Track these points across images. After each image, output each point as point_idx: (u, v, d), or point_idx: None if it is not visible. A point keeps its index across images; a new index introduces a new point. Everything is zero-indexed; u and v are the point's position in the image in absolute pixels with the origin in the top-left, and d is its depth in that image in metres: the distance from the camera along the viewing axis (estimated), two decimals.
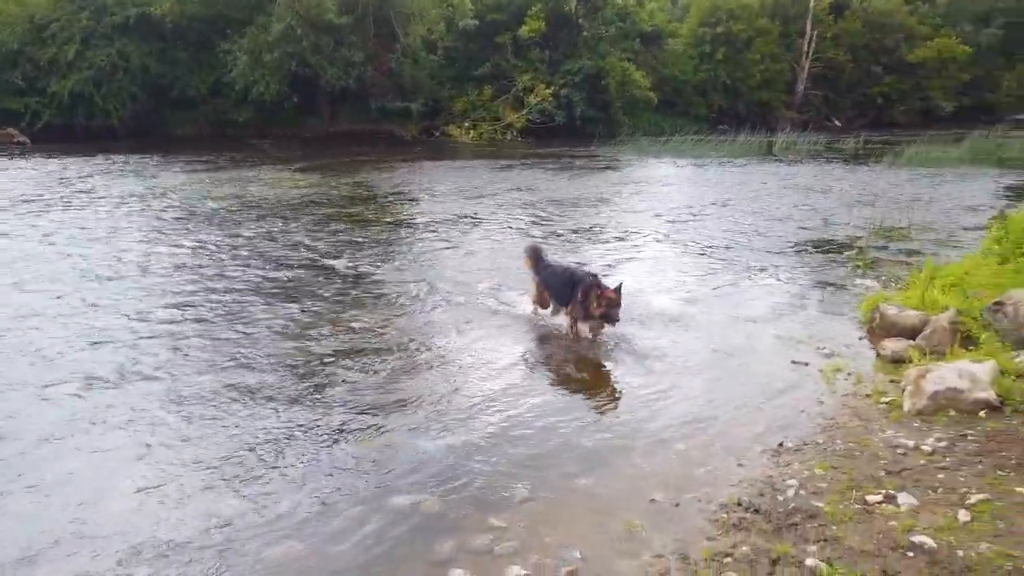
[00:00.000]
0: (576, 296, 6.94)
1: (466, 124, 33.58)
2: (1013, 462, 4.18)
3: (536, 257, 7.95)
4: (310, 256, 10.50)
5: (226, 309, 7.97)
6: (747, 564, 3.41)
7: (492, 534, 3.95)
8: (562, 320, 7.45)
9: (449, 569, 3.53)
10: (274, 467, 4.68)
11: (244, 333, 7.19)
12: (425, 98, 33.61)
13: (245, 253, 10.63)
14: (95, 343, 6.85)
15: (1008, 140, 26.65)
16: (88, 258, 10.13)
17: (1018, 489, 3.84)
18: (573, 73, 33.82)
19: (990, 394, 4.90)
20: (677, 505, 4.19)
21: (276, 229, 12.37)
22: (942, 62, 43.59)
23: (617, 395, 5.92)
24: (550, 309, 7.69)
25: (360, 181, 18.76)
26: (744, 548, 3.56)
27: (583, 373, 6.34)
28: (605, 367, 6.52)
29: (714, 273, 9.67)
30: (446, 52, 35.10)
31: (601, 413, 5.55)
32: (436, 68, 34.74)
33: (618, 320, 6.72)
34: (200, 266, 9.85)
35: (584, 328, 7.08)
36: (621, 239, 11.97)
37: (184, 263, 9.99)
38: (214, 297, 8.41)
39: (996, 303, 6.47)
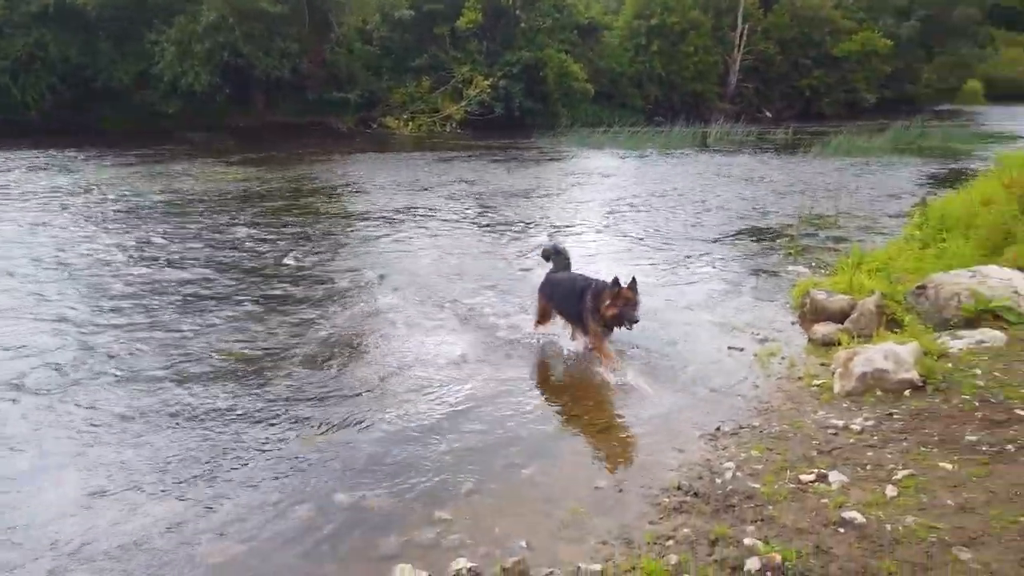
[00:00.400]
0: (585, 303, 6.07)
1: (404, 116, 33.23)
2: (935, 438, 4.38)
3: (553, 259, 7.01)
4: (248, 251, 10.26)
5: (162, 306, 7.73)
6: (688, 546, 3.50)
7: (438, 527, 3.95)
8: (578, 342, 6.56)
9: (395, 564, 3.51)
10: (215, 468, 4.58)
11: (181, 331, 7.00)
12: (362, 89, 33.15)
13: (179, 249, 10.33)
14: (23, 346, 6.56)
15: (927, 130, 27.82)
16: (11, 258, 9.69)
17: (940, 464, 4.03)
18: (511, 64, 33.82)
19: (913, 374, 5.12)
20: (620, 491, 4.26)
21: (210, 224, 12.05)
22: (865, 55, 45.13)
23: (559, 385, 5.98)
24: (564, 328, 6.73)
25: (298, 174, 18.40)
26: (685, 530, 3.65)
27: (526, 365, 6.37)
28: (547, 359, 6.57)
29: (653, 262, 9.83)
30: (382, 43, 34.65)
31: (544, 404, 5.59)
32: (372, 59, 34.28)
33: (637, 320, 5.85)
34: (132, 263, 9.53)
35: (605, 342, 6.10)
36: (562, 230, 12.05)
37: (114, 260, 9.65)
38: (149, 295, 8.16)
39: (918, 287, 6.76)
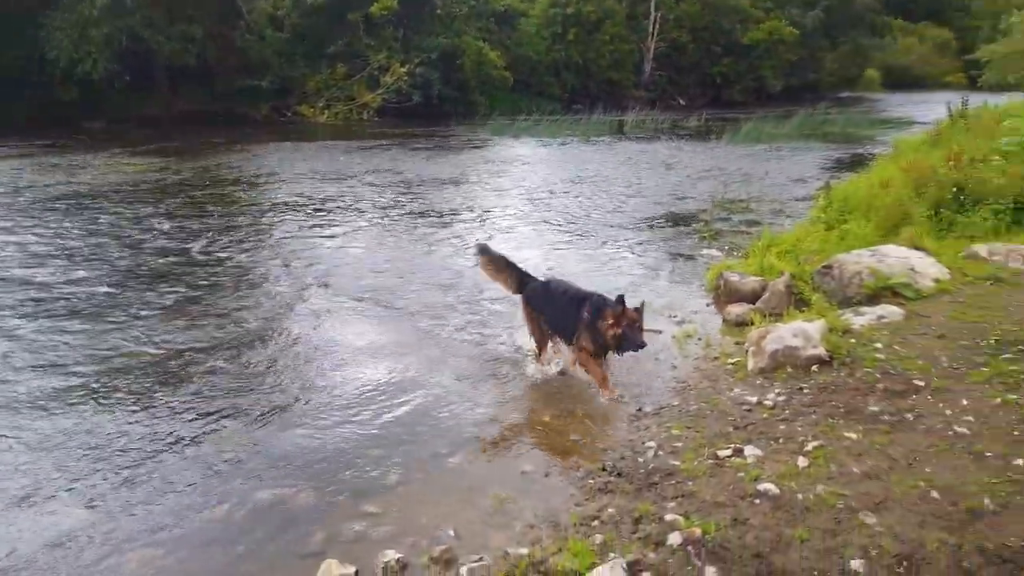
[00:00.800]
0: (582, 319, 5.41)
1: (320, 104, 32.48)
2: (841, 410, 4.61)
3: (509, 267, 6.14)
4: (159, 245, 9.85)
5: (71, 304, 7.36)
6: (613, 525, 3.58)
7: (365, 521, 3.91)
8: (559, 362, 5.91)
9: (322, 560, 3.46)
10: (131, 472, 4.40)
11: (91, 329, 6.68)
12: (274, 76, 32.18)
13: (84, 244, 9.82)
14: None
15: (830, 117, 29.08)
16: None
17: (846, 434, 4.25)
18: (428, 51, 33.48)
19: (821, 350, 5.37)
20: (546, 475, 4.32)
21: (117, 217, 11.51)
22: (773, 44, 46.78)
23: (483, 372, 5.98)
24: (545, 346, 5.98)
25: (209, 164, 17.75)
26: (610, 510, 3.73)
27: (448, 355, 6.35)
28: (470, 347, 6.56)
29: (573, 248, 9.96)
30: (294, 29, 33.68)
31: (469, 393, 5.59)
32: (285, 46, 33.29)
33: (644, 345, 5.27)
34: (35, 259, 9.00)
35: (600, 367, 5.47)
36: (483, 218, 12.06)
37: (16, 256, 9.10)
38: (57, 292, 7.74)
39: (824, 267, 7.09)
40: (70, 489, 4.22)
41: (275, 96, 32.56)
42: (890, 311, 6.06)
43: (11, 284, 8.07)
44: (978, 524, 3.21)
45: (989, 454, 3.79)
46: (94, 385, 5.58)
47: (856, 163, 16.99)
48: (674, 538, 3.29)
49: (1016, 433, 3.98)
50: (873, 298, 6.49)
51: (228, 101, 31.74)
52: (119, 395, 5.42)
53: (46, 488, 4.22)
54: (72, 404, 5.26)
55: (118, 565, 3.58)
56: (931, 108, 27.88)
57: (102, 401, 5.31)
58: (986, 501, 3.36)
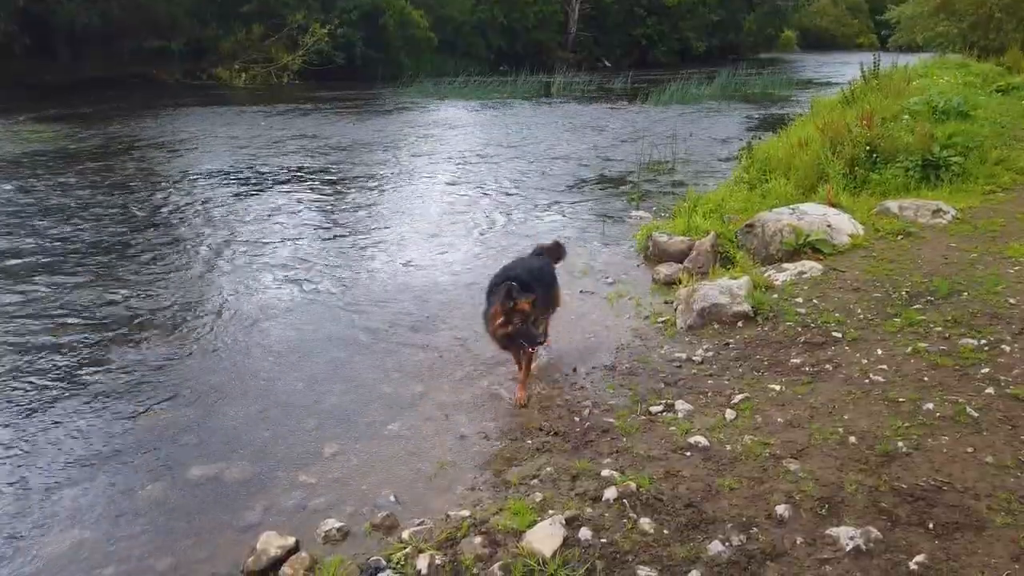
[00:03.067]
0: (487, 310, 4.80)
1: (236, 66, 31.17)
2: (765, 363, 4.81)
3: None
4: (70, 217, 9.35)
5: None
6: (551, 483, 3.66)
7: (303, 491, 3.89)
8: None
9: (260, 532, 3.42)
10: (55, 450, 4.23)
11: (4, 305, 6.34)
12: (186, 37, 30.63)
13: None
14: None
15: (750, 78, 29.71)
16: None
17: (771, 386, 4.43)
18: (348, 11, 32.45)
19: (746, 306, 5.56)
20: (485, 438, 4.36)
21: (21, 189, 10.85)
22: (694, 4, 47.32)
23: (417, 338, 5.96)
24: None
25: (119, 132, 16.86)
26: (548, 469, 3.81)
27: (379, 322, 6.30)
28: (402, 312, 6.52)
29: (503, 212, 9.96)
30: None
31: (403, 359, 5.57)
32: (196, 5, 31.66)
33: (540, 342, 4.72)
34: None
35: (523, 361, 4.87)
36: (412, 184, 11.91)
37: None
38: None
39: (747, 225, 7.30)
40: None
41: (188, 59, 31.05)
42: (809, 267, 6.31)
43: None
44: (893, 466, 3.42)
45: (902, 400, 4.02)
46: (16, 363, 5.31)
47: (776, 123, 17.45)
48: (610, 493, 3.39)
49: (926, 379, 4.23)
50: (794, 255, 6.74)
51: (137, 65, 30.06)
52: (40, 373, 5.18)
53: None
54: None
55: (41, 548, 3.46)
56: (845, 68, 28.81)
57: (20, 379, 5.07)
58: (900, 444, 3.58)
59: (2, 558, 3.40)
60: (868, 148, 9.04)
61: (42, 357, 5.48)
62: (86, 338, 5.83)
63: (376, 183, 11.90)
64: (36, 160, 13.22)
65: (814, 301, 5.58)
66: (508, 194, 11.07)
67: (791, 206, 7.45)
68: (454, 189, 11.48)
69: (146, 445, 4.35)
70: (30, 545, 3.49)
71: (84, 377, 5.19)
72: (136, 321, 6.19)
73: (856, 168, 8.89)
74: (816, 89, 27.08)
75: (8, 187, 11.02)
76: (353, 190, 11.33)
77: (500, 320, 4.57)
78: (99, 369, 5.31)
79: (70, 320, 6.19)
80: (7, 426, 4.53)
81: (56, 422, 4.58)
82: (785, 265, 6.51)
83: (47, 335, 5.88)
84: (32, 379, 5.14)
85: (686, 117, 20.19)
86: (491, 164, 13.56)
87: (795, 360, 4.74)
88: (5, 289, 6.84)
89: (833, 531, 2.99)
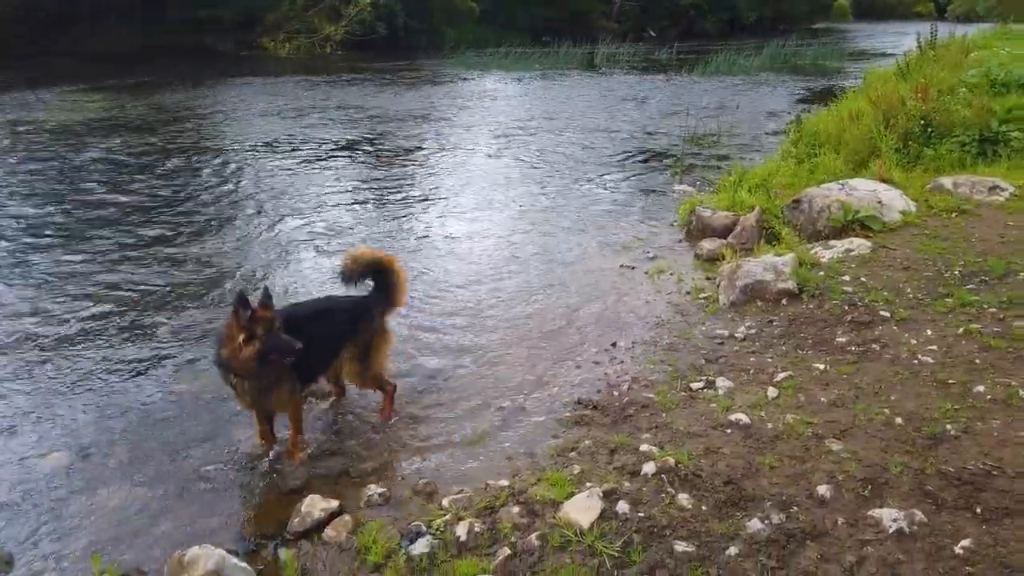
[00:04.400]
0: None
1: (280, 37, 31.33)
2: (810, 341, 4.73)
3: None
4: (122, 185, 9.58)
5: (31, 248, 7.17)
6: (589, 456, 3.67)
7: (346, 458, 3.96)
8: None
9: (306, 495, 3.51)
10: (110, 412, 4.38)
11: (54, 273, 6.53)
12: (238, 7, 30.77)
13: (42, 186, 9.51)
14: None
15: (801, 49, 28.89)
16: None
17: (815, 365, 4.36)
18: None
19: (790, 283, 5.46)
20: (523, 410, 4.39)
21: (77, 156, 11.12)
22: None
23: (458, 307, 5.99)
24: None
25: (171, 101, 17.14)
26: (586, 442, 3.82)
27: (420, 294, 6.34)
28: (446, 284, 6.55)
29: (544, 186, 9.91)
30: None
31: (440, 333, 5.61)
32: None
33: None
34: None
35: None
36: (452, 155, 11.91)
37: None
38: (17, 236, 7.52)
39: (794, 201, 7.15)
40: (45, 432, 4.19)
41: (236, 29, 31.28)
42: (858, 244, 6.16)
43: None
44: (940, 449, 3.35)
45: (951, 382, 3.92)
46: (56, 329, 5.50)
47: (827, 96, 16.96)
48: (649, 467, 3.39)
49: (977, 361, 4.12)
50: (841, 231, 6.58)
51: (187, 35, 30.42)
52: (84, 337, 5.35)
53: (19, 431, 4.19)
54: (45, 347, 5.19)
55: (99, 501, 3.60)
56: (901, 39, 27.84)
57: (75, 342, 5.25)
58: (948, 427, 3.50)
59: (64, 511, 3.54)
60: (923, 122, 8.74)
61: (95, 322, 5.65)
62: (133, 304, 5.99)
63: (416, 155, 11.92)
64: (89, 128, 13.52)
65: (862, 279, 5.46)
66: (549, 167, 11.00)
67: (840, 181, 7.26)
68: (494, 162, 11.45)
69: (194, 407, 4.48)
70: (90, 499, 3.63)
71: (131, 341, 5.33)
72: (181, 288, 6.33)
73: (910, 143, 8.62)
74: (869, 60, 26.24)
75: (63, 154, 11.29)
76: (394, 161, 11.37)
77: (240, 340, 3.50)
78: (149, 334, 5.46)
79: (119, 287, 6.35)
80: (64, 392, 4.69)
81: (110, 387, 4.73)
82: (832, 242, 6.36)
83: (96, 301, 6.05)
84: (89, 342, 5.30)
85: (733, 89, 19.77)
86: (532, 136, 13.47)
87: (841, 339, 4.66)
88: (60, 254, 7.05)
89: (876, 513, 2.95)
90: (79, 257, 7.00)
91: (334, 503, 3.43)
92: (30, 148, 11.79)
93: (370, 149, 12.27)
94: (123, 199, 8.98)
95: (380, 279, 4.40)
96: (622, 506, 3.11)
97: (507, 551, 2.94)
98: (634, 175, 10.57)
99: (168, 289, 6.31)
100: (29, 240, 7.47)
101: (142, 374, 4.88)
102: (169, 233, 7.78)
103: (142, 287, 6.34)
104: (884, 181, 7.37)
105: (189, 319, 5.74)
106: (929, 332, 4.53)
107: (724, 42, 32.59)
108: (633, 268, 6.77)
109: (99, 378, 4.81)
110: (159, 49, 28.62)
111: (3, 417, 4.35)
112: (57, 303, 5.97)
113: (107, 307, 5.92)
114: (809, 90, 19.71)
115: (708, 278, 6.35)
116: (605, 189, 9.76)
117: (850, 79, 20.82)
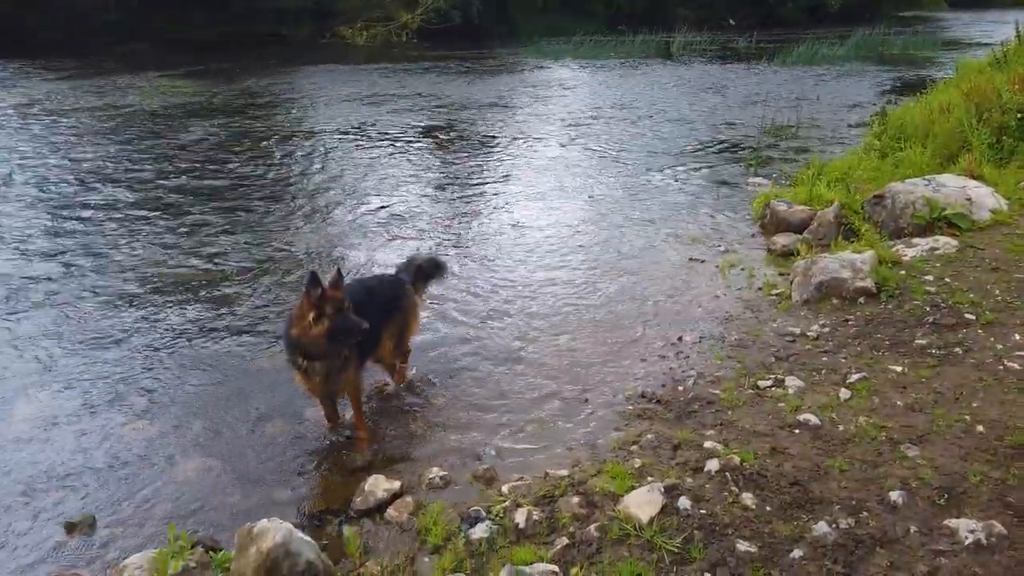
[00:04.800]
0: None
1: (358, 25, 31.86)
2: (887, 343, 4.55)
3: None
4: (206, 168, 9.95)
5: (122, 225, 7.55)
6: (651, 450, 3.64)
7: (409, 440, 4.04)
8: None
9: (369, 475, 3.59)
10: (181, 387, 4.58)
11: (144, 249, 6.86)
12: None
13: (132, 167, 9.96)
14: None
15: (889, 37, 27.66)
16: None
17: (891, 367, 4.20)
18: None
19: (869, 282, 5.27)
20: (586, 401, 4.37)
21: (163, 140, 11.61)
22: None
23: (523, 295, 6.00)
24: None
25: (251, 88, 17.68)
26: (649, 436, 3.78)
27: (483, 282, 6.37)
28: (511, 273, 6.56)
29: (615, 176, 9.80)
30: None
31: (504, 315, 5.63)
32: None
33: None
34: (88, 180, 9.18)
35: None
36: (526, 144, 11.90)
37: (70, 178, 9.28)
38: (107, 213, 7.92)
39: (876, 196, 6.87)
40: (127, 403, 4.41)
41: (316, 18, 31.96)
42: (943, 242, 5.90)
43: (68, 206, 8.27)
44: None
45: None
46: (141, 304, 5.76)
47: (915, 87, 16.21)
48: (712, 464, 3.34)
49: None
50: (926, 229, 6.31)
51: (269, 23, 31.26)
52: (168, 314, 5.59)
53: (104, 403, 4.41)
54: (121, 323, 5.45)
55: (176, 471, 3.77)
56: (999, 28, 26.37)
57: (150, 320, 5.49)
58: None
59: (144, 478, 3.72)
60: (1019, 115, 8.26)
61: (174, 298, 5.90)
62: (216, 280, 6.23)
63: (488, 143, 11.96)
64: (180, 112, 14.07)
65: (946, 279, 5.22)
66: (620, 157, 10.87)
67: (926, 177, 6.95)
68: (565, 151, 11.38)
69: (266, 384, 4.63)
70: (168, 468, 3.81)
71: (210, 318, 5.55)
72: (261, 266, 6.54)
73: (1004, 138, 8.16)
74: (963, 50, 24.91)
75: (156, 137, 11.80)
76: (465, 149, 11.45)
77: (313, 316, 3.60)
78: (230, 310, 5.67)
79: (206, 261, 6.62)
80: (149, 362, 4.92)
81: (192, 359, 4.94)
82: (916, 240, 6.10)
83: (183, 275, 6.31)
84: (163, 318, 5.54)
85: (814, 79, 19.10)
86: (604, 125, 13.33)
87: (920, 341, 4.47)
88: (151, 234, 7.38)
89: (952, 522, 2.83)
90: (173, 232, 7.34)
91: (396, 484, 3.50)
92: (129, 130, 12.37)
93: (443, 137, 12.38)
94: (213, 180, 9.33)
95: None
96: (683, 502, 3.08)
97: (565, 540, 2.95)
98: (708, 166, 10.35)
99: (249, 267, 6.54)
100: (137, 212, 7.84)
101: (222, 349, 5.07)
102: (253, 213, 8.05)
103: (226, 264, 6.58)
104: (974, 177, 7.01)
105: (268, 297, 5.93)
106: (1017, 337, 4.31)
107: (807, 31, 31.46)
108: (703, 261, 6.65)
109: (182, 350, 5.04)
110: (242, 37, 29.48)
111: (91, 384, 4.59)
112: (148, 275, 6.26)
113: (192, 282, 6.18)
114: (896, 81, 18.87)
115: (781, 274, 6.18)
116: (677, 180, 9.59)
117: (942, 70, 19.82)
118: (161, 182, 9.29)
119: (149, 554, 2.87)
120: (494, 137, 12.41)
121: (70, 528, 3.35)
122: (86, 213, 8.02)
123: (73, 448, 3.98)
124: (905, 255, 5.79)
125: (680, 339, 5.11)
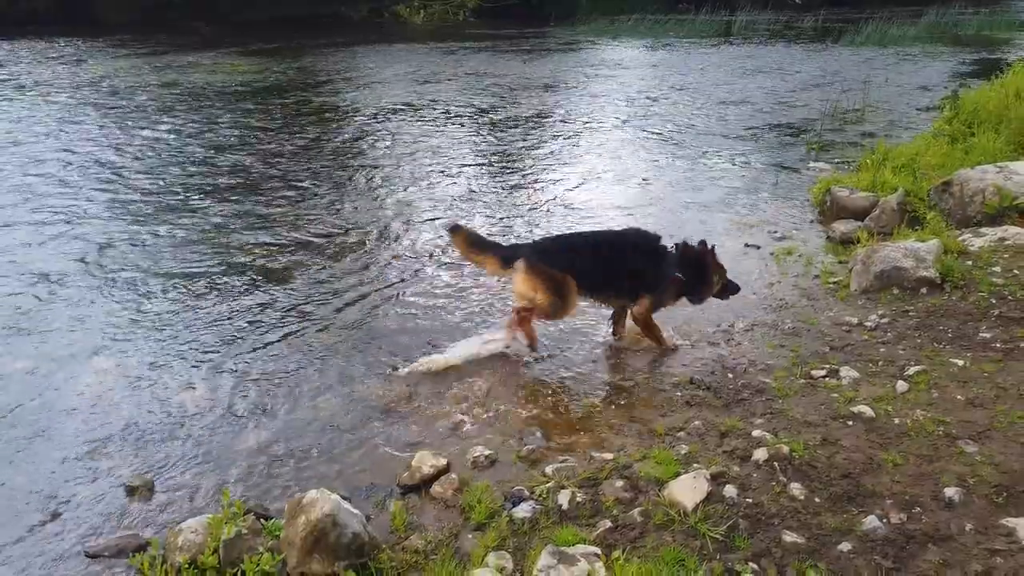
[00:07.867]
0: (646, 272, 4.64)
1: (415, 3, 31.92)
2: (949, 335, 4.41)
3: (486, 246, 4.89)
4: (261, 147, 10.16)
5: (189, 202, 7.77)
6: (698, 437, 3.60)
7: (457, 419, 4.07)
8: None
9: (416, 451, 3.65)
10: (241, 358, 4.71)
11: (209, 227, 7.06)
12: None
13: (196, 143, 10.24)
14: (43, 242, 6.65)
15: (963, 18, 26.47)
16: (37, 154, 9.64)
17: (953, 360, 4.07)
18: None
19: (932, 272, 5.09)
20: (634, 385, 4.35)
21: (226, 117, 11.88)
22: None
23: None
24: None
25: (310, 67, 17.93)
26: (696, 423, 3.75)
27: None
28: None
29: (671, 159, 9.66)
30: None
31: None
32: None
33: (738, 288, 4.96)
34: (154, 157, 9.47)
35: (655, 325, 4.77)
36: (581, 125, 11.80)
37: (137, 155, 9.59)
38: (174, 191, 8.17)
39: (943, 183, 6.63)
40: (187, 374, 4.56)
41: None
42: (1013, 233, 5.66)
43: (129, 188, 8.54)
44: None
45: None
46: (203, 280, 5.93)
47: (990, 70, 15.50)
48: (760, 454, 3.29)
49: None
50: (996, 218, 6.06)
51: (326, 3, 31.56)
52: (228, 291, 5.75)
53: (165, 374, 4.58)
54: (185, 297, 5.63)
55: (233, 442, 3.89)
56: None
57: (212, 294, 5.66)
58: None
59: (201, 446, 3.86)
60: None
61: (233, 275, 6.07)
62: (274, 256, 6.37)
63: (543, 123, 11.90)
64: (241, 90, 14.37)
65: (1015, 271, 5.01)
66: (677, 139, 10.70)
67: (999, 164, 6.65)
68: (620, 132, 11.26)
69: (323, 362, 4.73)
70: (224, 437, 3.94)
71: (270, 295, 5.68)
72: (316, 245, 6.67)
73: None
74: None
75: (220, 115, 12.08)
76: (521, 129, 11.41)
77: (718, 276, 4.85)
78: (288, 287, 5.80)
79: (265, 238, 6.77)
80: (209, 334, 5.08)
81: (249, 333, 5.08)
82: (984, 229, 5.87)
83: (241, 256, 6.48)
84: (223, 294, 5.71)
85: (883, 61, 18.42)
86: (662, 106, 13.12)
87: (985, 334, 4.31)
88: (216, 211, 7.58)
89: (1010, 521, 2.74)
90: (233, 208, 7.53)
91: (442, 461, 3.55)
92: (192, 107, 12.69)
93: (498, 117, 12.36)
94: (273, 158, 9.53)
95: None
96: (729, 490, 3.05)
97: (608, 523, 2.95)
98: (767, 150, 10.11)
99: (304, 245, 6.66)
100: (205, 183, 8.08)
101: (278, 323, 5.20)
102: (309, 191, 8.19)
103: (281, 242, 6.72)
104: None
105: (324, 275, 6.04)
106: None
107: (876, 10, 30.30)
108: (758, 248, 6.52)
109: (240, 323, 5.18)
110: (301, 17, 29.83)
111: (153, 354, 4.76)
112: (211, 251, 6.45)
113: (250, 258, 6.34)
114: (970, 63, 18.06)
115: (840, 262, 6.02)
116: (735, 164, 9.40)
117: (1019, 51, 18.90)
118: (221, 159, 9.51)
119: (203, 519, 2.97)
120: (549, 117, 12.34)
121: (131, 491, 3.49)
122: (156, 185, 8.28)
123: (134, 414, 4.14)
124: (972, 245, 5.58)
125: (732, 325, 5.03)
